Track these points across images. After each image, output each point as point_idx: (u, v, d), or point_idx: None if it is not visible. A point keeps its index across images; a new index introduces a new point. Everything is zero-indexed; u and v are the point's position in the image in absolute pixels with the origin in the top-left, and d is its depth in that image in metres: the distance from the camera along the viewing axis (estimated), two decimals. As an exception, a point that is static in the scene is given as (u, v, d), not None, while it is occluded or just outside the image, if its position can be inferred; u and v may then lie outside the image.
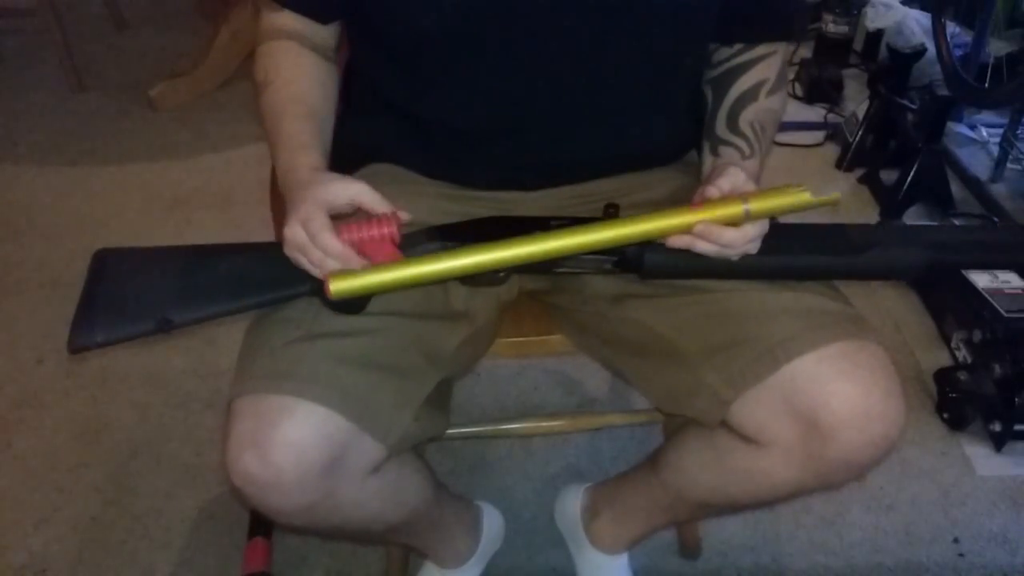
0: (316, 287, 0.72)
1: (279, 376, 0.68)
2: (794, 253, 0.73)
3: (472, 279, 0.75)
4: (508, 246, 0.70)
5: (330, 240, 0.68)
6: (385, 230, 0.69)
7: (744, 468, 0.77)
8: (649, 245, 0.74)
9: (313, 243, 0.68)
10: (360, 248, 0.69)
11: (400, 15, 0.79)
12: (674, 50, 0.83)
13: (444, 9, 0.77)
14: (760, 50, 0.86)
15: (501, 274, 0.75)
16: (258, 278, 0.73)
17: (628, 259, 0.75)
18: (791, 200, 0.70)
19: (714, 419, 0.75)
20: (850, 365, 0.68)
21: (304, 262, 0.70)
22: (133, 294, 0.72)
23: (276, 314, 0.74)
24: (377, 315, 0.74)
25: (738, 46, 0.86)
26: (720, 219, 0.70)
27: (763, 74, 0.85)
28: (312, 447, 0.66)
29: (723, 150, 0.82)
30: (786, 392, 0.69)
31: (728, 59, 0.87)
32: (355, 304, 0.73)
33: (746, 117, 0.83)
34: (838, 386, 0.67)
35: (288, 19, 0.84)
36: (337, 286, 0.68)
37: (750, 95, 0.85)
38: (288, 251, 0.71)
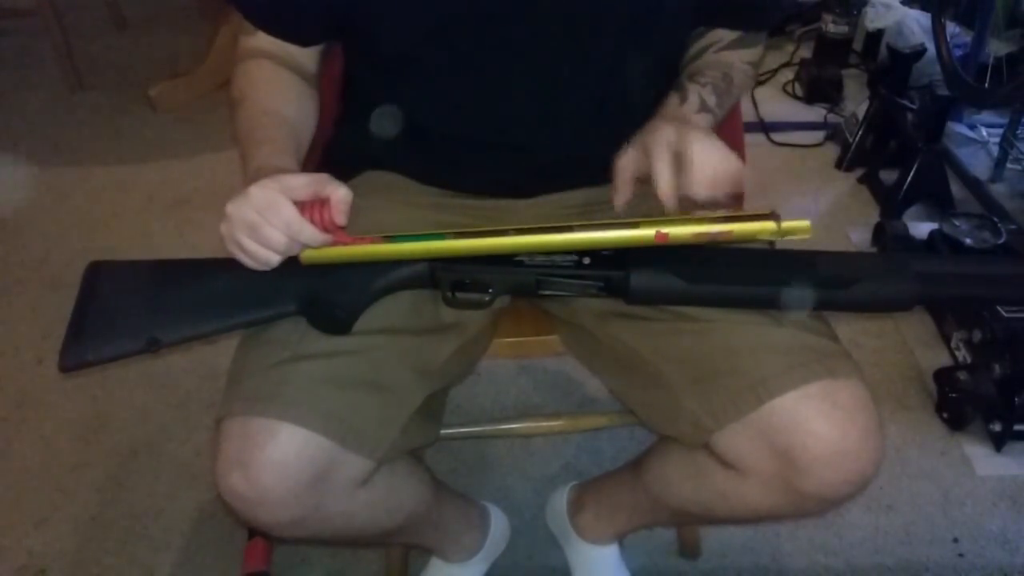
0: (303, 307, 0.72)
1: (264, 398, 0.68)
2: (780, 284, 0.72)
3: (456, 302, 0.76)
4: (481, 238, 0.71)
5: (294, 213, 0.67)
6: (325, 215, 0.69)
7: (722, 489, 0.78)
8: (635, 271, 0.73)
9: (268, 218, 0.66)
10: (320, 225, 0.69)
11: (380, 34, 0.80)
12: (655, 50, 0.83)
13: (421, 28, 0.78)
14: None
15: (487, 298, 0.76)
16: (246, 297, 0.73)
17: (614, 284, 0.74)
18: (757, 228, 0.68)
19: (696, 443, 0.76)
20: (829, 405, 0.68)
21: (251, 246, 0.68)
22: (123, 312, 0.73)
23: (263, 334, 0.74)
24: (363, 334, 0.74)
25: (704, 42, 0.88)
26: (683, 238, 0.69)
27: (714, 38, 0.86)
28: (296, 467, 0.67)
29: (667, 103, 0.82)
30: (766, 429, 0.70)
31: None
32: (341, 324, 0.73)
33: (688, 71, 0.85)
34: (816, 426, 0.68)
35: (266, 41, 0.85)
36: (310, 255, 0.70)
37: (696, 57, 0.86)
38: (228, 232, 0.68)
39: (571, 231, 0.71)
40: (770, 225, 0.68)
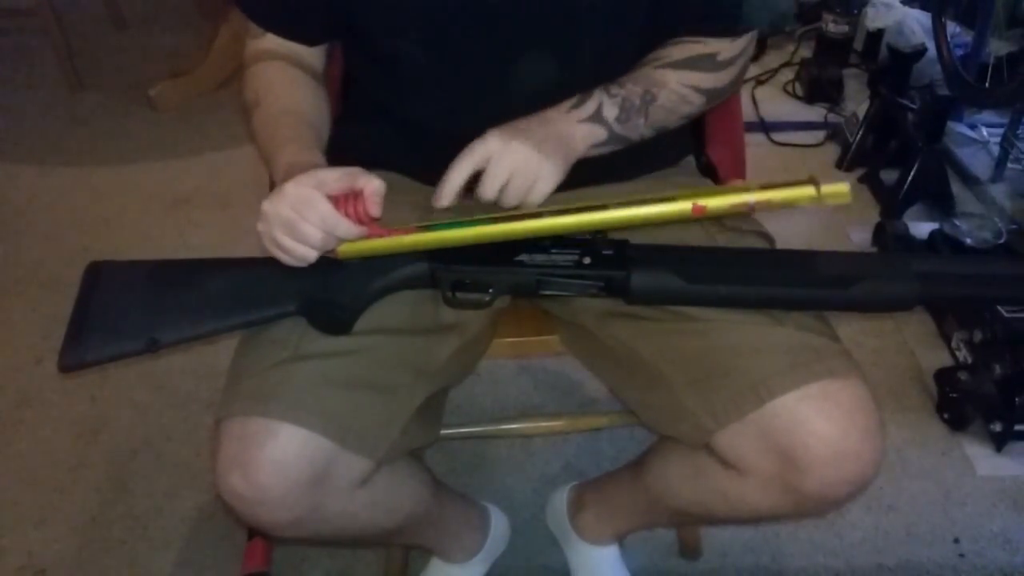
0: (303, 307, 0.72)
1: (264, 398, 0.68)
2: (781, 284, 0.72)
3: (456, 302, 0.76)
4: (516, 222, 0.71)
5: (329, 208, 0.67)
6: (360, 208, 0.70)
7: (722, 489, 0.78)
8: (636, 271, 0.73)
9: (304, 215, 0.67)
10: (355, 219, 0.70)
11: (376, 34, 0.81)
12: (646, 48, 0.83)
13: (416, 28, 0.78)
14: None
15: (486, 298, 0.76)
16: (246, 298, 0.73)
17: (614, 284, 0.74)
18: (796, 194, 0.68)
19: (696, 443, 0.76)
20: (831, 405, 0.68)
21: (288, 243, 0.69)
22: (123, 312, 0.73)
23: (263, 334, 0.74)
24: (363, 334, 0.74)
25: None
26: (721, 210, 0.69)
27: (662, 54, 0.83)
28: (295, 467, 0.67)
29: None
30: (766, 429, 0.70)
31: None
32: (341, 324, 0.73)
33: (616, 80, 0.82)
34: (817, 426, 0.68)
35: (274, 42, 0.85)
36: (346, 249, 0.71)
37: (640, 66, 0.83)
38: (265, 230, 0.69)
39: (606, 209, 0.70)
40: (809, 191, 0.67)
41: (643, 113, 0.80)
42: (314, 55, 0.87)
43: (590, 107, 0.78)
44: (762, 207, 0.68)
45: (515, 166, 0.73)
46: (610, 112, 0.79)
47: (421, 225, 0.72)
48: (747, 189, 0.68)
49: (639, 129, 0.81)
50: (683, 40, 0.83)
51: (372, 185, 0.69)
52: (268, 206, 0.68)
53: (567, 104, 0.79)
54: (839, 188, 0.68)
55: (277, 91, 0.82)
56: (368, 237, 0.71)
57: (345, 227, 0.69)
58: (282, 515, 0.70)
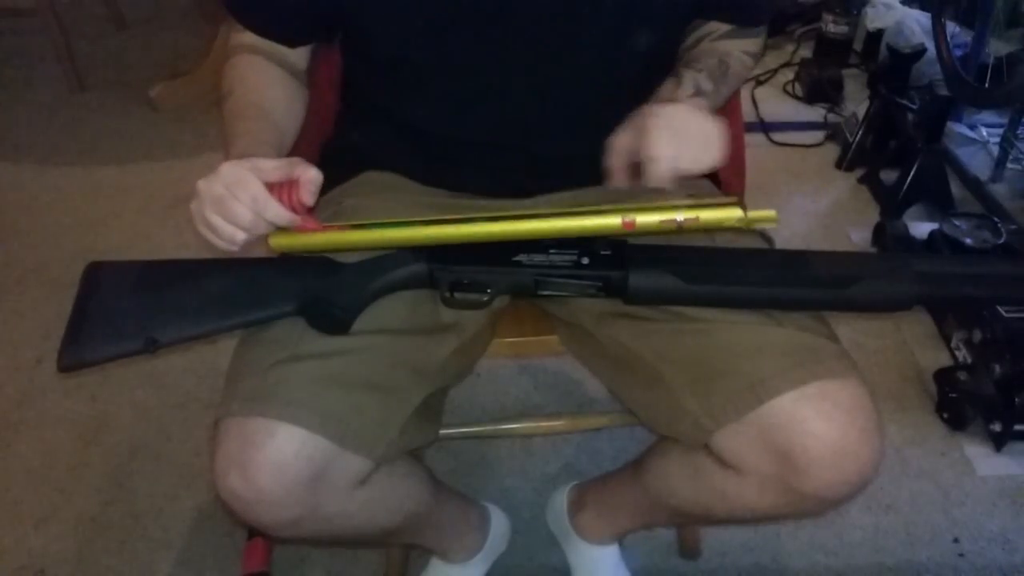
0: (302, 307, 0.72)
1: (262, 398, 0.68)
2: (780, 284, 0.72)
3: (455, 302, 0.76)
4: (448, 225, 0.72)
5: (261, 190, 0.68)
6: (294, 196, 0.70)
7: (721, 489, 0.78)
8: (634, 271, 0.73)
9: (235, 193, 0.67)
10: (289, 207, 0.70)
11: (372, 36, 0.81)
12: (649, 46, 0.83)
13: (412, 30, 0.78)
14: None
15: (485, 298, 0.76)
16: (244, 298, 0.74)
17: (613, 284, 0.75)
18: (723, 216, 0.69)
19: (695, 443, 0.76)
20: (829, 405, 0.68)
21: (216, 222, 0.69)
22: (122, 312, 0.73)
23: (262, 334, 0.74)
24: (362, 334, 0.74)
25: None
26: (650, 226, 0.70)
27: (711, 28, 0.87)
28: (293, 467, 0.67)
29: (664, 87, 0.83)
30: (765, 429, 0.70)
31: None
32: (340, 324, 0.73)
33: (684, 60, 0.86)
34: (815, 426, 0.68)
35: (254, 37, 0.86)
36: (278, 240, 0.72)
37: (693, 46, 0.87)
38: (197, 208, 0.69)
39: (538, 218, 0.71)
40: (736, 212, 0.69)
41: (726, 82, 0.84)
42: (296, 53, 0.87)
43: (689, 84, 0.81)
44: (690, 225, 0.70)
45: (687, 124, 0.72)
46: (706, 85, 0.82)
47: (356, 223, 0.73)
48: (676, 207, 0.69)
49: (724, 98, 0.85)
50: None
51: (308, 174, 0.70)
52: (202, 183, 0.69)
53: (668, 87, 0.81)
54: (767, 213, 0.70)
55: (248, 85, 0.83)
56: (301, 229, 0.71)
57: (275, 210, 0.69)
58: (281, 515, 0.70)
